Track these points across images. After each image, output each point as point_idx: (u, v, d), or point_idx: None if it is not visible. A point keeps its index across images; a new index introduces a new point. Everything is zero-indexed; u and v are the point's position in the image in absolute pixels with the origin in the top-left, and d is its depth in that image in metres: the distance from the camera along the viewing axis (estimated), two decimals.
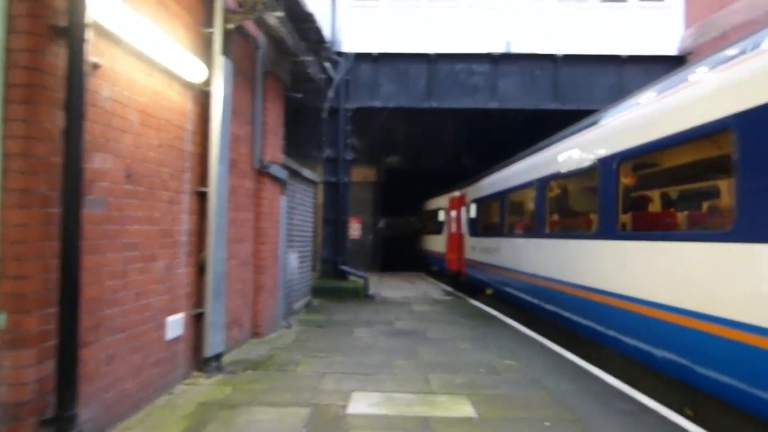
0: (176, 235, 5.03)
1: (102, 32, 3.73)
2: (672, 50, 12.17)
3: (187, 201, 5.23)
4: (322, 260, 13.18)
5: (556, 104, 12.59)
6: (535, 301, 8.60)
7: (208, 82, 5.49)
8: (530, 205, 9.20)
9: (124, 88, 4.07)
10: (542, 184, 8.30)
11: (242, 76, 6.72)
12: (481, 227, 13.33)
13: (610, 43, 12.41)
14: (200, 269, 5.53)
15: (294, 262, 9.76)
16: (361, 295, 12.76)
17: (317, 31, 7.53)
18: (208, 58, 5.47)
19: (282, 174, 8.10)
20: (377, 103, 12.91)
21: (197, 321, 5.48)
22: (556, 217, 8.40)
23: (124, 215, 4.11)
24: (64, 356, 3.29)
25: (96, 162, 3.73)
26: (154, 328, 4.66)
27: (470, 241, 14.25)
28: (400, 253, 27.43)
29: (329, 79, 12.18)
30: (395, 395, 4.93)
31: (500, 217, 11.18)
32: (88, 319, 3.67)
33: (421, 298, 13.16)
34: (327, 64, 11.54)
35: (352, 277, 13.22)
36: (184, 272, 5.21)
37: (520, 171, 9.77)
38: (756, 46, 4.03)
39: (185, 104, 5.17)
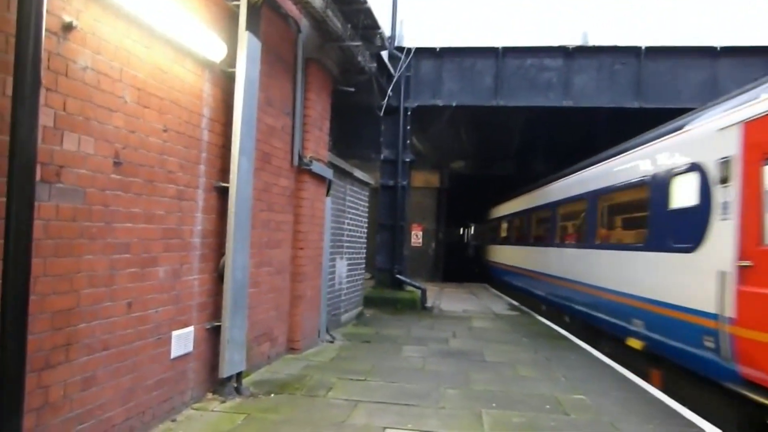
0: (186, 236, 4.34)
1: None
2: None
3: (202, 197, 4.54)
4: (378, 269, 12.36)
5: (638, 102, 11.21)
6: None
7: (232, 63, 4.81)
8: None
9: (113, 58, 3.40)
10: None
11: (279, 62, 6.02)
12: None
13: (701, 34, 10.91)
14: (220, 276, 4.83)
15: (342, 270, 8.98)
16: (418, 307, 11.80)
17: (368, 14, 6.74)
18: (232, 35, 4.79)
19: (326, 173, 7.34)
20: (439, 102, 11.97)
21: (213, 336, 4.78)
22: None
23: (111, 210, 3.44)
24: None
25: (69, 144, 3.07)
26: (154, 344, 3.97)
27: None
28: (467, 264, 26.30)
29: (389, 76, 11.38)
30: None
31: None
32: (55, 335, 3.01)
33: (482, 312, 12.00)
34: (385, 58, 10.72)
35: (409, 288, 12.29)
36: (197, 279, 4.52)
37: None
38: None
39: (201, 86, 4.48)
